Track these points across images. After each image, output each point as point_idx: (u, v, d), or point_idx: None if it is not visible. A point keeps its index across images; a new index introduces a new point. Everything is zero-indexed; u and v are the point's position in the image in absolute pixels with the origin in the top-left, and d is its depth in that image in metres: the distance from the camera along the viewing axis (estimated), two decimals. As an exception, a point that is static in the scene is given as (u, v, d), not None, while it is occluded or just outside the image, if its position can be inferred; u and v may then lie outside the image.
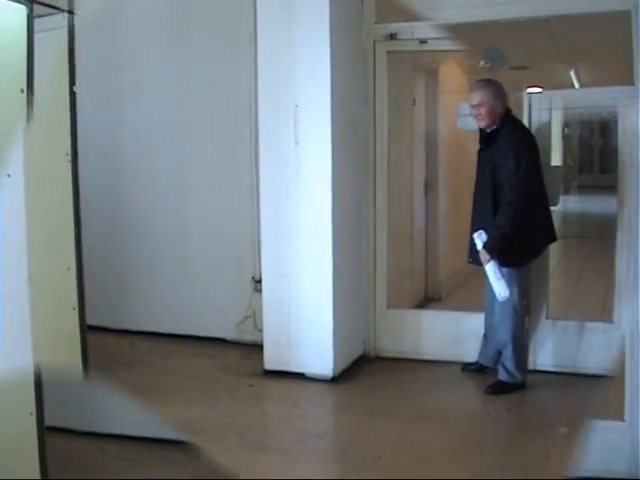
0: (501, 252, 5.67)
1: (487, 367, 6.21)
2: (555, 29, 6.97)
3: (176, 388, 6.07)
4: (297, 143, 6.11)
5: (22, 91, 5.54)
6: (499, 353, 6.03)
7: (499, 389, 5.87)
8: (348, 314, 6.47)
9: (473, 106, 5.84)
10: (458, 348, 6.45)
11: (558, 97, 6.62)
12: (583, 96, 6.61)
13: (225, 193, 7.11)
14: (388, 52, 6.63)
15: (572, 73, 8.96)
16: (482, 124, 5.84)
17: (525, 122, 6.19)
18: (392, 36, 6.55)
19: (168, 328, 7.29)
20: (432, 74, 8.50)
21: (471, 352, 6.36)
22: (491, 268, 5.68)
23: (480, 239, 5.69)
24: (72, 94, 5.61)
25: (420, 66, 8.21)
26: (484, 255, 5.67)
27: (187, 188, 7.23)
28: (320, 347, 6.19)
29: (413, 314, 6.93)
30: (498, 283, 5.68)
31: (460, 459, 4.86)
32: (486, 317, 6.18)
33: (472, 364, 6.32)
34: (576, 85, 9.14)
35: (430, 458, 4.87)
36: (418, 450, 5.01)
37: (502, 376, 5.93)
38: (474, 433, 5.29)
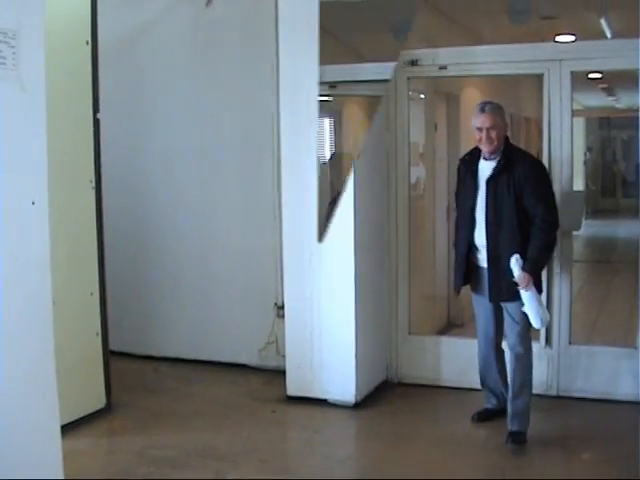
0: (539, 274, 5.52)
1: (498, 409, 5.84)
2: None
3: (200, 414, 6.08)
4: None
5: (87, 43, 5.70)
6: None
7: (523, 440, 5.47)
8: (371, 340, 6.46)
9: (484, 129, 5.45)
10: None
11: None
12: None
13: (248, 219, 7.14)
14: (408, 78, 6.64)
15: (603, 21, 8.64)
16: (491, 148, 5.47)
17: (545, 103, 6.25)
18: (413, 62, 6.57)
19: (191, 354, 7.31)
20: (454, 99, 8.52)
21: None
22: (533, 293, 5.34)
23: (518, 264, 5.32)
24: (95, 121, 5.69)
25: (442, 92, 8.24)
26: (525, 279, 5.30)
27: (210, 213, 7.27)
28: (343, 373, 6.19)
29: (435, 340, 6.88)
30: (540, 308, 5.39)
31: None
32: (483, 360, 5.87)
33: (481, 412, 5.92)
34: (608, 34, 8.87)
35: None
36: (440, 476, 4.98)
37: (522, 426, 5.47)
38: (496, 459, 5.25)
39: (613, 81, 14.37)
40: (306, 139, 6.17)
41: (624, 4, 7.76)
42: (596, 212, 19.79)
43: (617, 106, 19.34)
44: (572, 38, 7.63)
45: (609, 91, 16.34)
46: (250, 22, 7.00)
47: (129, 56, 7.37)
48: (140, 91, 7.43)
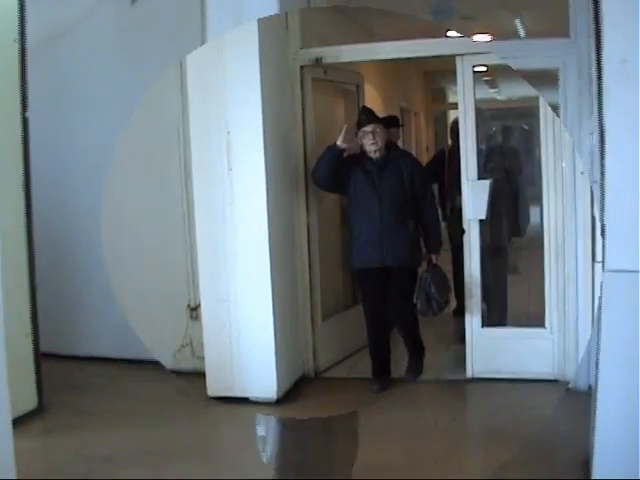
0: None
1: None
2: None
3: (131, 411, 6.35)
4: (230, 169, 6.45)
5: (15, 41, 5.88)
6: None
7: None
8: (289, 336, 6.81)
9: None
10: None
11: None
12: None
13: (157, 220, 7.37)
14: (313, 78, 7.03)
15: (517, 22, 9.27)
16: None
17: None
18: (317, 60, 6.92)
19: (115, 353, 7.50)
20: (351, 95, 8.95)
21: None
22: None
23: None
24: (24, 120, 5.85)
25: (342, 88, 8.67)
26: None
27: (120, 213, 7.41)
28: (263, 371, 6.51)
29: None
30: None
31: (419, 471, 5.28)
32: None
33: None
34: (522, 34, 9.55)
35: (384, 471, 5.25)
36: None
37: None
38: (427, 446, 5.66)
39: (496, 74, 15.11)
40: (217, 140, 6.44)
41: (535, 5, 8.40)
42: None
43: (498, 98, 20.20)
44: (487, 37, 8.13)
45: (491, 84, 17.11)
46: (176, 19, 7.10)
47: (55, 55, 7.46)
48: (65, 90, 7.54)
